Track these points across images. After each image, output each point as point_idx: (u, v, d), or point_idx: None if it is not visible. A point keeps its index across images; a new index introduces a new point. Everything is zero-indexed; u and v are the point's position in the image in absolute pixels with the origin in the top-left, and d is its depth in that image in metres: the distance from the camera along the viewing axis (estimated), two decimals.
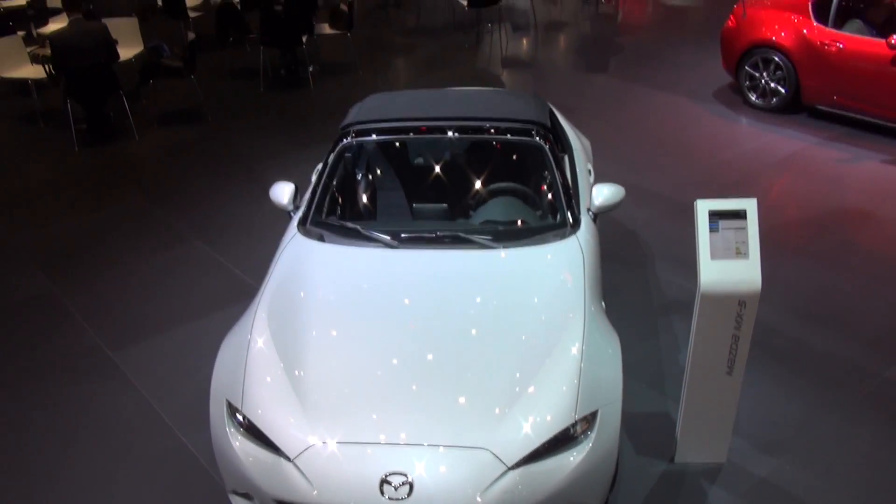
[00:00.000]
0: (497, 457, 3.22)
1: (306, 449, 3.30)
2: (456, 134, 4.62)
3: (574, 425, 3.34)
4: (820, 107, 8.07)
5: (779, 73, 8.21)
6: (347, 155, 4.81)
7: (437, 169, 4.93)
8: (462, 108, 4.75)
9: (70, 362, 5.06)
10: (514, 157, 4.77)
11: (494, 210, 4.55)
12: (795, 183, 7.04)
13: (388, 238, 4.18)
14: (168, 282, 5.92)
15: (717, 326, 3.51)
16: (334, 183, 4.66)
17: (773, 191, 6.95)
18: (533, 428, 3.29)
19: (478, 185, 4.77)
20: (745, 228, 3.43)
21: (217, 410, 3.58)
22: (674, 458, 4.06)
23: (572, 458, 3.29)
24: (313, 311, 3.84)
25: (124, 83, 8.64)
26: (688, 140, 7.98)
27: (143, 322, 5.43)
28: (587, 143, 5.83)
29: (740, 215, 3.45)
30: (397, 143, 4.97)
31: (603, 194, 4.48)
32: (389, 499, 3.15)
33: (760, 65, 8.36)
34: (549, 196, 4.56)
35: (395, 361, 3.55)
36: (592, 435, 3.36)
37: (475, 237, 4.16)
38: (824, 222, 6.33)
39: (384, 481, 3.18)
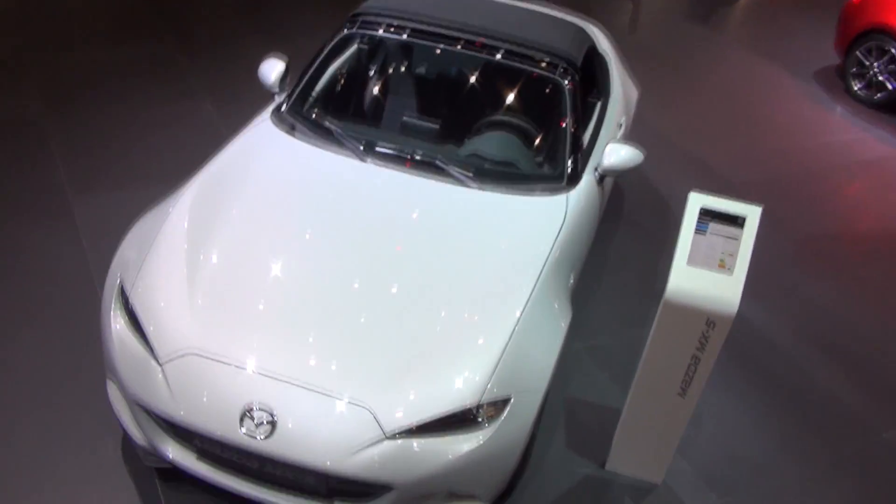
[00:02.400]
0: (377, 421, 2.82)
1: (179, 357, 2.96)
2: (471, 50, 4.03)
3: (478, 408, 2.90)
4: None
5: (892, 66, 7.22)
6: (348, 46, 4.30)
7: (442, 84, 4.36)
8: (490, 21, 4.14)
9: (27, 195, 4.81)
10: (530, 90, 4.17)
11: (489, 144, 4.00)
12: (869, 192, 6.22)
13: (360, 147, 3.73)
14: (160, 137, 5.58)
15: (677, 341, 2.98)
16: (325, 75, 4.18)
17: (841, 194, 6.15)
18: (429, 398, 2.86)
19: (479, 112, 4.20)
20: (737, 239, 2.84)
21: (110, 285, 3.27)
22: (605, 464, 3.60)
23: (465, 446, 2.87)
24: (244, 205, 3.44)
25: None
26: (769, 116, 7.13)
27: (118, 172, 5.13)
28: (634, 94, 5.16)
29: (737, 222, 2.86)
30: (404, 45, 4.40)
31: (616, 154, 3.90)
32: (246, 433, 2.81)
33: (874, 52, 7.36)
34: (553, 143, 4.00)
35: (310, 281, 3.15)
36: (497, 424, 2.92)
37: (453, 169, 3.66)
38: (881, 246, 5.56)
39: (247, 414, 2.83)
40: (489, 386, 2.91)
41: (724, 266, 2.83)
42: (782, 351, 4.43)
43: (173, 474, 3.26)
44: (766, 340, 4.46)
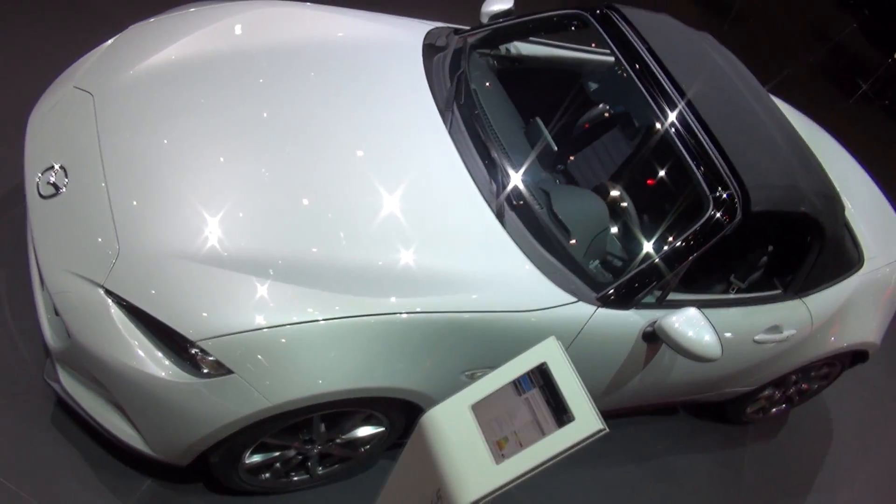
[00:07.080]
0: (111, 267, 2.39)
1: (77, 89, 2.85)
2: (672, 131, 2.96)
3: (196, 348, 2.31)
4: None
5: None
6: (573, 23, 3.58)
7: (603, 120, 3.50)
8: (722, 117, 3.10)
9: None
10: (672, 186, 3.12)
11: (572, 198, 3.10)
12: None
13: (458, 101, 3.07)
14: None
15: (414, 485, 2.07)
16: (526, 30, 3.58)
17: None
18: (169, 294, 2.35)
19: (606, 165, 3.30)
20: (545, 435, 1.82)
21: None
22: None
23: (150, 367, 2.34)
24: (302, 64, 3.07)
25: None
26: None
27: None
28: (857, 335, 3.71)
29: (563, 418, 1.83)
30: (624, 72, 3.53)
31: (689, 324, 2.76)
32: (37, 179, 2.62)
33: None
34: (635, 249, 3.01)
35: (257, 140, 2.69)
36: (196, 381, 2.33)
37: (499, 187, 2.85)
38: None
39: (56, 169, 2.62)
40: (221, 340, 2.30)
41: (502, 448, 1.84)
42: None
43: None
44: None
